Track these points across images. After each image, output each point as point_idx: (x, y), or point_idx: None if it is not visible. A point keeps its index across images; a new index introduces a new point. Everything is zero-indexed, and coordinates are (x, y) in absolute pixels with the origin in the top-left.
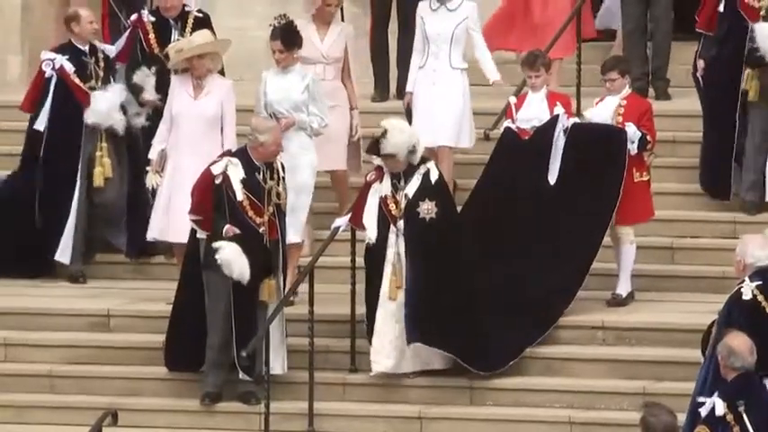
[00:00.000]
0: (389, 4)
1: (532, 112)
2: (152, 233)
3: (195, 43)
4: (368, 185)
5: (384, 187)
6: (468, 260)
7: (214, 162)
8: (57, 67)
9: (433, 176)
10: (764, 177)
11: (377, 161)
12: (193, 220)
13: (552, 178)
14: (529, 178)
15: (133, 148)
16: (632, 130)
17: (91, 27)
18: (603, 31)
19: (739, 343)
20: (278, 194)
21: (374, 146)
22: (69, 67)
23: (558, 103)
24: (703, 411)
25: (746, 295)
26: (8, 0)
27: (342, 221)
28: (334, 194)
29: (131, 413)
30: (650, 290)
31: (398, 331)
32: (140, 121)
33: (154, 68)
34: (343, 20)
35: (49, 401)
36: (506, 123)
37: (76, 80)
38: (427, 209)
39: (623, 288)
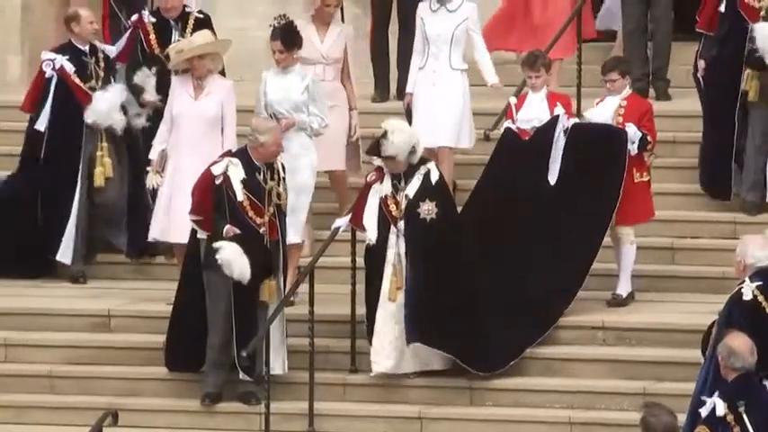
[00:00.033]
0: (390, 4)
1: (533, 113)
2: (153, 234)
3: (196, 44)
4: (368, 186)
5: (384, 188)
6: (469, 260)
7: (214, 162)
8: (57, 67)
9: (434, 177)
10: (765, 178)
11: (377, 162)
12: (194, 221)
13: (552, 178)
14: (529, 179)
15: (133, 149)
16: (632, 131)
17: (91, 27)
18: (604, 31)
19: (740, 343)
20: (278, 195)
21: (375, 147)
22: (69, 68)
23: (558, 103)
24: (704, 412)
25: (747, 296)
26: (8, 0)
27: (342, 222)
28: (334, 195)
29: (131, 413)
30: (650, 290)
31: (398, 332)
32: (141, 121)
33: (154, 69)
34: (343, 21)
35: (50, 402)
36: (506, 124)
37: (77, 80)
38: (428, 209)
39: (623, 288)
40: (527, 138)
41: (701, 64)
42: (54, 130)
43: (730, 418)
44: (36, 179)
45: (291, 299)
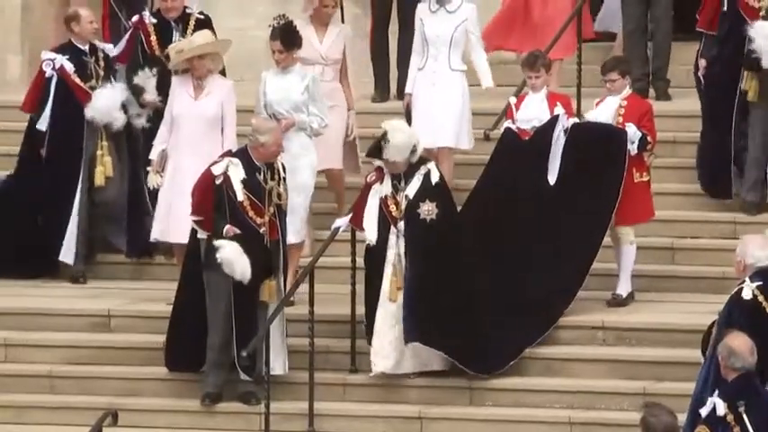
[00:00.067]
0: (390, 4)
1: (532, 113)
2: (154, 234)
3: (196, 44)
4: (368, 186)
5: (384, 188)
6: (469, 261)
7: (215, 162)
8: (57, 66)
9: (434, 177)
10: (765, 178)
11: (377, 162)
12: (195, 221)
13: (552, 178)
14: (529, 178)
15: (133, 149)
16: (632, 131)
17: (91, 27)
18: (602, 32)
19: (740, 343)
20: (278, 195)
21: (376, 150)
22: (69, 67)
23: (558, 103)
24: (704, 411)
25: (747, 296)
26: (8, 0)
27: (342, 222)
28: (334, 195)
29: (131, 413)
30: (650, 290)
31: (398, 332)
32: (141, 122)
33: (155, 70)
34: (343, 21)
35: (49, 402)
36: (506, 124)
37: (77, 80)
38: (428, 210)
39: (623, 288)
40: (527, 138)
41: (702, 63)
42: (54, 130)
43: (730, 417)
44: (36, 179)
45: (291, 299)
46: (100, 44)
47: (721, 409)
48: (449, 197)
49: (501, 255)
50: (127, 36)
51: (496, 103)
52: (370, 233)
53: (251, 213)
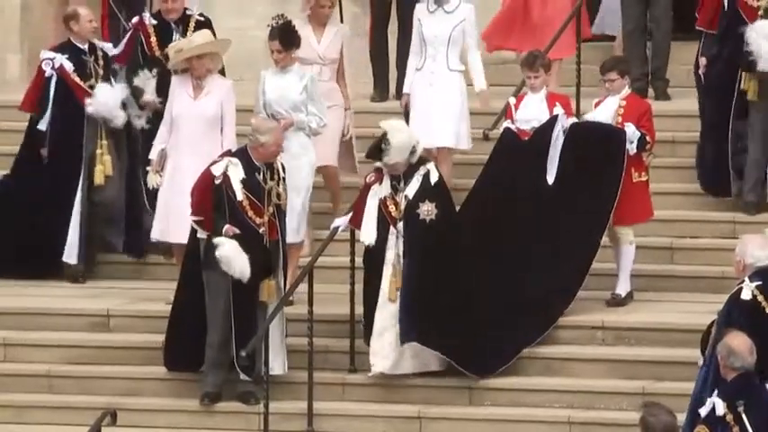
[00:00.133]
0: (389, 4)
1: (532, 113)
2: (154, 234)
3: (195, 43)
4: (367, 187)
5: (384, 189)
6: (468, 261)
7: (214, 162)
8: (56, 66)
9: (433, 178)
10: (765, 177)
11: (377, 163)
12: (194, 221)
13: (551, 178)
14: (528, 178)
15: (132, 149)
16: (631, 131)
17: (90, 26)
18: (599, 34)
19: (739, 343)
20: (278, 195)
21: (376, 152)
22: (69, 66)
23: (557, 103)
24: (703, 411)
25: (746, 295)
26: (8, 0)
27: (341, 222)
28: (329, 193)
29: (131, 413)
30: (649, 290)
31: (397, 332)
32: (141, 123)
33: (155, 71)
34: (342, 20)
35: (49, 401)
36: (506, 124)
37: (76, 79)
38: (427, 210)
39: (623, 288)
40: (526, 138)
41: (703, 61)
42: (54, 130)
43: (729, 417)
44: (36, 179)
45: (290, 298)
46: (99, 43)
47: (720, 408)
48: (448, 197)
49: (500, 254)
50: (127, 37)
51: (495, 104)
52: (367, 235)
53: (250, 213)
